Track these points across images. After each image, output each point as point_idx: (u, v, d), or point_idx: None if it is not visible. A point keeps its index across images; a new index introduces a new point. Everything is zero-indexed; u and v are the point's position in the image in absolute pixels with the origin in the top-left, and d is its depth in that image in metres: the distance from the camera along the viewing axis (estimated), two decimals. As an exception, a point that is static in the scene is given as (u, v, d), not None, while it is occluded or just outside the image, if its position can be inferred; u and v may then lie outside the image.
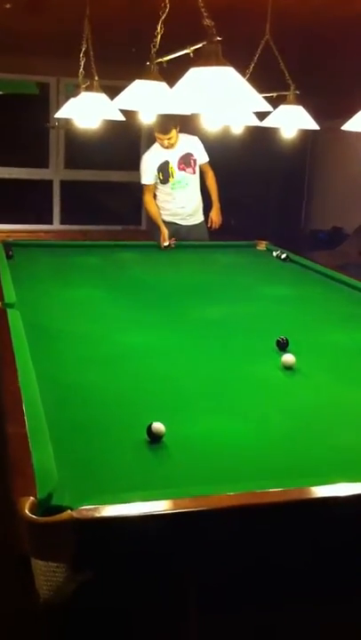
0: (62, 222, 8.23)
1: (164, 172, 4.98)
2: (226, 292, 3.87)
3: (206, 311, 3.41)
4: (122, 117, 3.79)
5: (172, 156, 5.00)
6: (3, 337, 2.67)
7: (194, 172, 5.11)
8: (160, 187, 5.08)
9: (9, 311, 2.98)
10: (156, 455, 1.91)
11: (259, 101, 2.21)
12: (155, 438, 1.95)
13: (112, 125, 4.69)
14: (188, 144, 5.07)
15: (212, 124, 3.90)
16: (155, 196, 5.15)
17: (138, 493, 1.61)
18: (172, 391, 2.39)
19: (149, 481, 1.76)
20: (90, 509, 1.50)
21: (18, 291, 3.38)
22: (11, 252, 4.24)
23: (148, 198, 5.14)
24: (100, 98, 3.89)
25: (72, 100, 4.22)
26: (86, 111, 4.01)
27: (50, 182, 8.15)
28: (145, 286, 3.93)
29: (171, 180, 5.01)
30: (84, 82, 4.12)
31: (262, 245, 5.01)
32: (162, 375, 2.54)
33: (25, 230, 7.80)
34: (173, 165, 5.00)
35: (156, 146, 5.07)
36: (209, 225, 5.34)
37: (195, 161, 5.09)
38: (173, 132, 4.89)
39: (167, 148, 4.97)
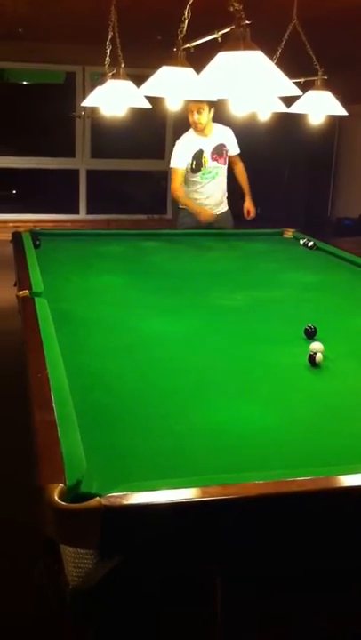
0: (88, 212, 8.25)
1: (197, 160, 4.91)
2: (251, 279, 3.85)
3: (231, 298, 3.39)
4: (148, 105, 3.78)
5: (206, 146, 4.95)
6: (31, 325, 2.68)
7: (225, 163, 5.08)
8: (189, 175, 5.00)
9: (36, 299, 3.00)
10: (181, 442, 1.91)
11: (289, 86, 2.18)
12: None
13: (138, 114, 4.68)
14: (222, 135, 5.03)
15: (239, 111, 3.87)
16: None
17: (165, 481, 1.61)
18: (197, 378, 2.38)
19: (175, 468, 1.76)
20: (118, 496, 1.50)
21: (45, 279, 3.40)
22: (38, 242, 4.26)
23: (177, 184, 4.95)
24: (126, 85, 3.88)
25: (98, 89, 4.22)
26: (112, 99, 4.00)
27: (76, 172, 8.17)
28: (169, 274, 3.92)
29: (202, 169, 4.96)
30: (109, 70, 4.11)
31: (289, 233, 4.98)
32: (186, 362, 2.53)
33: (52, 220, 7.86)
34: (207, 155, 4.94)
35: (190, 133, 4.98)
36: (245, 215, 5.30)
37: (226, 152, 5.07)
38: (205, 104, 4.73)
39: (197, 128, 4.86)
